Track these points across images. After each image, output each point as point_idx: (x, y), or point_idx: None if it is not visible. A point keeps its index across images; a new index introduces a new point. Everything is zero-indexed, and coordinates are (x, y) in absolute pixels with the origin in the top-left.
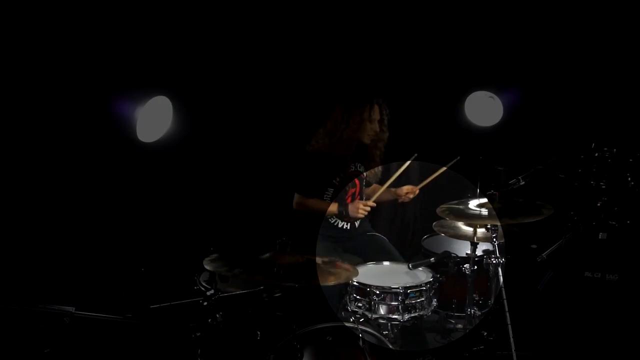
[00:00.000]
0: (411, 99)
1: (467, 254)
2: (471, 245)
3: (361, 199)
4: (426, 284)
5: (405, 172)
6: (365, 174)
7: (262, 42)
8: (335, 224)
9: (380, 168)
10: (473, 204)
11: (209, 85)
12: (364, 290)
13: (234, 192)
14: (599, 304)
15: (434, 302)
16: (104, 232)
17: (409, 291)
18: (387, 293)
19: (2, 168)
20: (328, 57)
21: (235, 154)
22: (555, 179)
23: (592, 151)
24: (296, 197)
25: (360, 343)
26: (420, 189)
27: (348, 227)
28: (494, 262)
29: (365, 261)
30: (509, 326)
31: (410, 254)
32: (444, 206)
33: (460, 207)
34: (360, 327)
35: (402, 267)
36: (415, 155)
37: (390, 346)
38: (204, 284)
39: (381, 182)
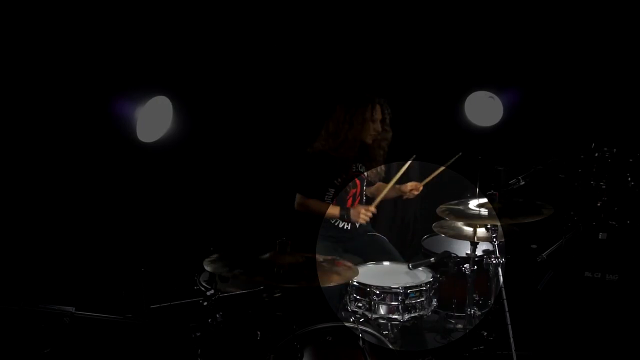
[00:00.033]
0: (411, 99)
1: (467, 254)
2: (471, 245)
3: (362, 199)
4: (426, 284)
5: (405, 172)
6: (366, 174)
7: (263, 42)
8: (336, 224)
9: (383, 167)
10: (473, 204)
11: (209, 85)
12: (364, 290)
13: (234, 192)
14: (599, 304)
15: (434, 302)
16: (104, 232)
17: (409, 291)
18: (387, 293)
19: (2, 168)
20: (328, 55)
21: (235, 154)
22: (555, 179)
23: (592, 151)
24: (298, 197)
25: (360, 343)
26: (424, 186)
27: (348, 228)
28: (494, 262)
29: (365, 261)
30: (509, 326)
31: (410, 254)
32: (443, 206)
33: (460, 207)
34: (360, 327)
35: (402, 267)
36: (414, 156)
37: (390, 346)
38: (204, 284)
39: (384, 181)
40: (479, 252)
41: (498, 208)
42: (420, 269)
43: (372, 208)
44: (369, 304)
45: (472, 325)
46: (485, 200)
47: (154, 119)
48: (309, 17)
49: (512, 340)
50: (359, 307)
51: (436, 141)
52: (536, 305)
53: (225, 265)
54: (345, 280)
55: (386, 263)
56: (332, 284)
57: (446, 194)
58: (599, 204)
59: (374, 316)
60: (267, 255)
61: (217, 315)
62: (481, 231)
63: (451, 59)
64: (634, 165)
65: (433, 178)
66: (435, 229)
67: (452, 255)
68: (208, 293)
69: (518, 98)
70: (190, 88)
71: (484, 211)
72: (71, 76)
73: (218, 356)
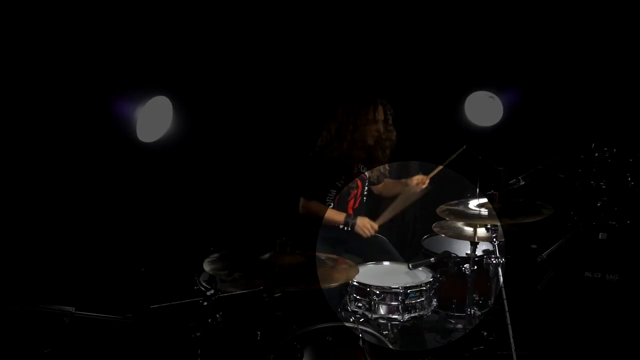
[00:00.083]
0: (411, 99)
1: (467, 254)
2: (471, 245)
3: (362, 199)
4: (426, 284)
5: (406, 172)
6: (367, 174)
7: (263, 42)
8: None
9: (387, 167)
10: (473, 204)
11: (209, 85)
12: (364, 290)
13: (234, 192)
14: (599, 304)
15: (434, 302)
16: (104, 232)
17: (409, 291)
18: (387, 293)
19: (2, 168)
20: (328, 55)
21: (234, 154)
22: (555, 179)
23: (592, 151)
24: (302, 201)
25: (360, 343)
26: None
27: (349, 228)
28: (494, 262)
29: (365, 261)
30: (509, 326)
31: (410, 254)
32: (443, 206)
33: (460, 207)
34: (360, 327)
35: (402, 267)
36: (464, 146)
37: (390, 346)
38: (204, 284)
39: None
40: (479, 252)
41: (498, 208)
42: (420, 269)
43: (376, 226)
44: (369, 304)
45: (472, 325)
46: (485, 200)
47: (154, 119)
48: (309, 17)
49: (512, 340)
50: (359, 307)
51: (436, 141)
52: (536, 305)
53: (224, 267)
54: (346, 280)
55: (386, 263)
56: (333, 285)
57: (446, 194)
58: (599, 204)
59: (374, 316)
60: (267, 255)
61: (217, 315)
62: (481, 231)
63: (451, 59)
64: (634, 165)
65: (439, 172)
66: (435, 229)
67: (452, 255)
68: (208, 293)
69: (518, 98)
70: (190, 88)
71: (484, 211)
72: (71, 76)
73: (218, 356)
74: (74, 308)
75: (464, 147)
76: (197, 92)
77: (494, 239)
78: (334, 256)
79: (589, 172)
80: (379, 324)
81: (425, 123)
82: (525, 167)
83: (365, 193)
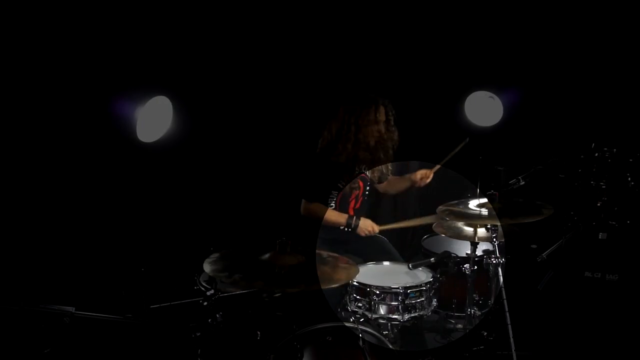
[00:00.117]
0: (411, 99)
1: (467, 254)
2: (471, 245)
3: (364, 200)
4: (426, 284)
5: (406, 172)
6: (368, 174)
7: (264, 42)
8: None
9: (389, 167)
10: (473, 204)
11: (209, 85)
12: (364, 290)
13: (234, 192)
14: (599, 304)
15: (434, 302)
16: (104, 232)
17: (409, 291)
18: (387, 293)
19: (2, 168)
20: (329, 56)
21: (234, 154)
22: (555, 179)
23: (592, 151)
24: (303, 203)
25: (360, 343)
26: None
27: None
28: (494, 262)
29: (365, 261)
30: (509, 326)
31: (410, 254)
32: (443, 206)
33: (460, 207)
34: (360, 327)
35: (402, 267)
36: (467, 139)
37: (390, 346)
38: (204, 284)
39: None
40: (479, 252)
41: (498, 208)
42: (420, 269)
43: (377, 228)
44: (369, 304)
45: (472, 325)
46: (485, 200)
47: (154, 119)
48: (310, 17)
49: (512, 340)
50: (359, 307)
51: (436, 141)
52: (536, 305)
53: (224, 268)
54: (346, 280)
55: (386, 263)
56: (333, 286)
57: (446, 194)
58: (599, 204)
59: (374, 316)
60: (267, 255)
61: (217, 315)
62: (481, 231)
63: (451, 59)
64: (634, 165)
65: (443, 164)
66: (435, 229)
67: (452, 255)
68: (208, 293)
69: (518, 98)
70: (190, 88)
71: (484, 211)
72: (71, 76)
73: (218, 356)
74: (74, 308)
75: (467, 139)
76: (197, 92)
77: (494, 239)
78: (335, 254)
79: (589, 172)
80: (379, 324)
81: (425, 123)
82: (525, 167)
83: (367, 193)
